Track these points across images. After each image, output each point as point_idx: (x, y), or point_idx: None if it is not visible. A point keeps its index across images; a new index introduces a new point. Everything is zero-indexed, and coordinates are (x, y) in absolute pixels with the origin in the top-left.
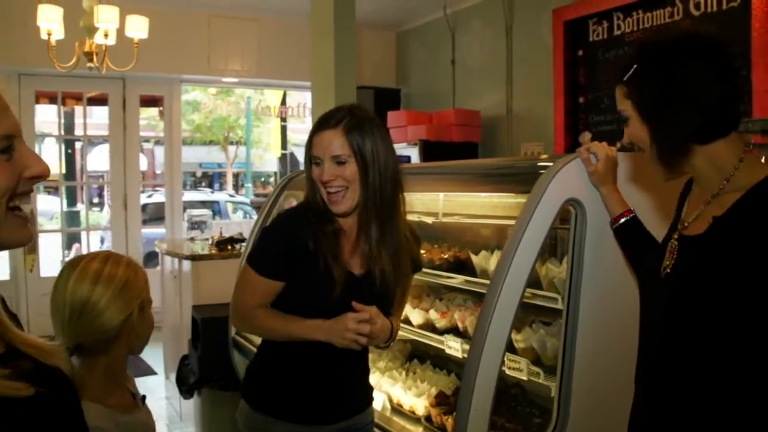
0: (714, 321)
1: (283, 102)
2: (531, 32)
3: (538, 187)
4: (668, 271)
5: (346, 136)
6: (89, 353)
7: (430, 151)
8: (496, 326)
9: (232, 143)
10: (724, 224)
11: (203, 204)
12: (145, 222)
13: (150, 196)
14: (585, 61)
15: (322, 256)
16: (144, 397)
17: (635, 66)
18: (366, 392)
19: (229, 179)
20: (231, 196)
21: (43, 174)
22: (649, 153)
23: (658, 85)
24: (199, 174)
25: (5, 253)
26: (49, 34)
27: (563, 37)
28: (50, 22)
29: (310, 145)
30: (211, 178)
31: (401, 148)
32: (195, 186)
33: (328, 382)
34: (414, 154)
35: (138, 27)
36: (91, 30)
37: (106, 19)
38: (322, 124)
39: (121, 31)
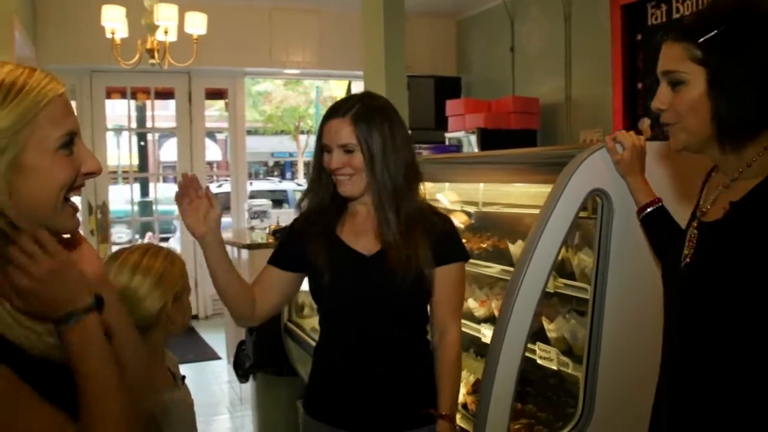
0: (732, 308)
1: (348, 92)
2: (589, 18)
3: (562, 177)
4: (687, 260)
5: (353, 125)
6: None
7: (488, 139)
8: (519, 314)
9: (302, 132)
10: (741, 209)
11: (272, 193)
12: None
13: (220, 186)
14: (643, 45)
15: (314, 247)
16: (184, 377)
17: (722, 28)
18: (419, 407)
19: (300, 168)
20: (298, 185)
21: (96, 170)
22: (698, 125)
23: (751, 58)
24: (270, 163)
25: None
26: (113, 33)
27: (621, 21)
28: (113, 22)
29: (320, 133)
30: (283, 168)
31: (459, 137)
32: (267, 175)
33: (367, 387)
34: (472, 142)
35: (196, 23)
36: (152, 28)
37: (166, 16)
38: (331, 113)
39: (182, 28)
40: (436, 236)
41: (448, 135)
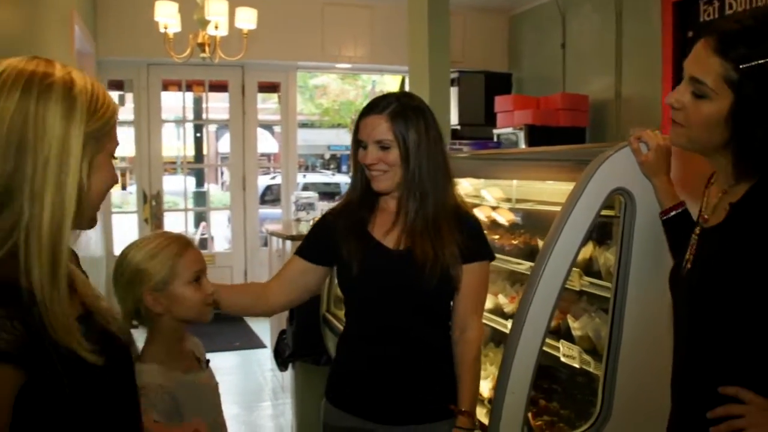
0: (736, 310)
1: (402, 87)
2: (641, 15)
3: (584, 175)
4: (688, 266)
5: (390, 122)
6: (145, 322)
7: (536, 135)
8: (537, 309)
9: None
10: (739, 210)
11: (326, 186)
12: (270, 202)
13: (273, 178)
14: (695, 43)
15: (344, 240)
16: (208, 361)
17: (765, 61)
18: (438, 401)
19: None
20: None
21: (115, 183)
22: (703, 139)
23: None
24: (327, 156)
25: (134, 232)
26: (165, 28)
27: (672, 18)
28: (166, 17)
29: (356, 129)
30: (339, 160)
31: (508, 133)
32: (323, 168)
33: (389, 378)
34: (521, 138)
35: (246, 18)
36: (203, 22)
37: (216, 12)
38: (368, 110)
39: (233, 23)
40: (464, 234)
41: (496, 131)
